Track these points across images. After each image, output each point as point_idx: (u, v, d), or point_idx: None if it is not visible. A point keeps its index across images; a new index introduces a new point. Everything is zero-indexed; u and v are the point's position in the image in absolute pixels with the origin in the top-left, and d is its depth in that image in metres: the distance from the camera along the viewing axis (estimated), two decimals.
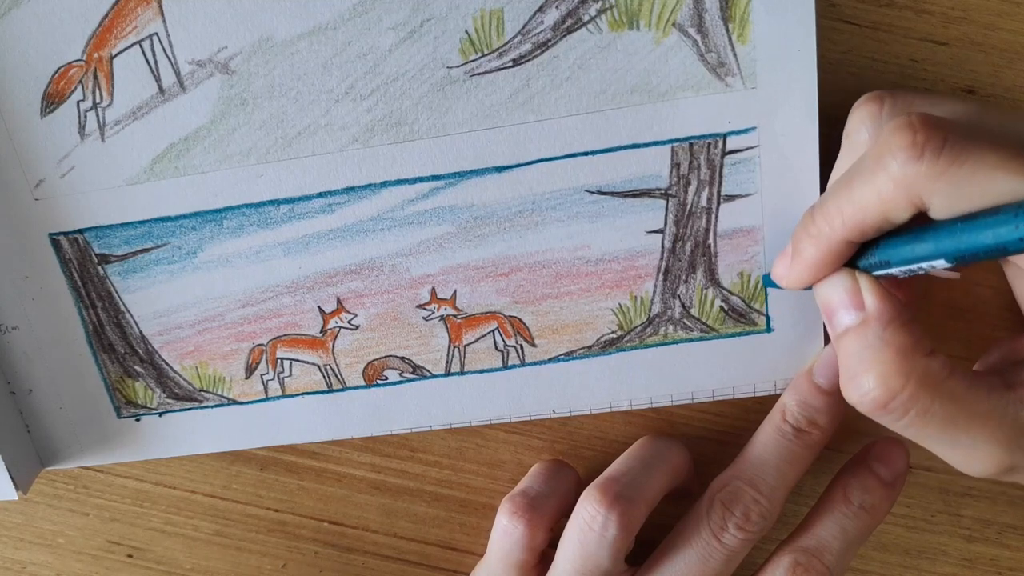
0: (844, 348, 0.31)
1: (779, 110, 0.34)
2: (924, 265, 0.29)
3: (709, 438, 0.40)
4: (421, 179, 0.35)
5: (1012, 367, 0.32)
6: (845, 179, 0.30)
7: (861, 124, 0.31)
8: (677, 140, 0.34)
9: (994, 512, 0.40)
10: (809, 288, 0.33)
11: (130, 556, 0.43)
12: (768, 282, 0.35)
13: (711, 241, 0.36)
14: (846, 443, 0.40)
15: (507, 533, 0.37)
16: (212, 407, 0.38)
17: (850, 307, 0.31)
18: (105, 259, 0.36)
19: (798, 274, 0.32)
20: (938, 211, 0.27)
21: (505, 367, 0.38)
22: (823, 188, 0.34)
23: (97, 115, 0.34)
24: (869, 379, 0.30)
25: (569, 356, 0.38)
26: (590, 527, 0.35)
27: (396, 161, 0.35)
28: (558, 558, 0.36)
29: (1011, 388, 0.30)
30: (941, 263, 0.28)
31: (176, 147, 0.35)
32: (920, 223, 0.29)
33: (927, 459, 0.40)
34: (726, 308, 0.37)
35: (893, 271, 0.30)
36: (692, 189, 0.35)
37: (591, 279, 0.36)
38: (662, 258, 0.36)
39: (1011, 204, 0.26)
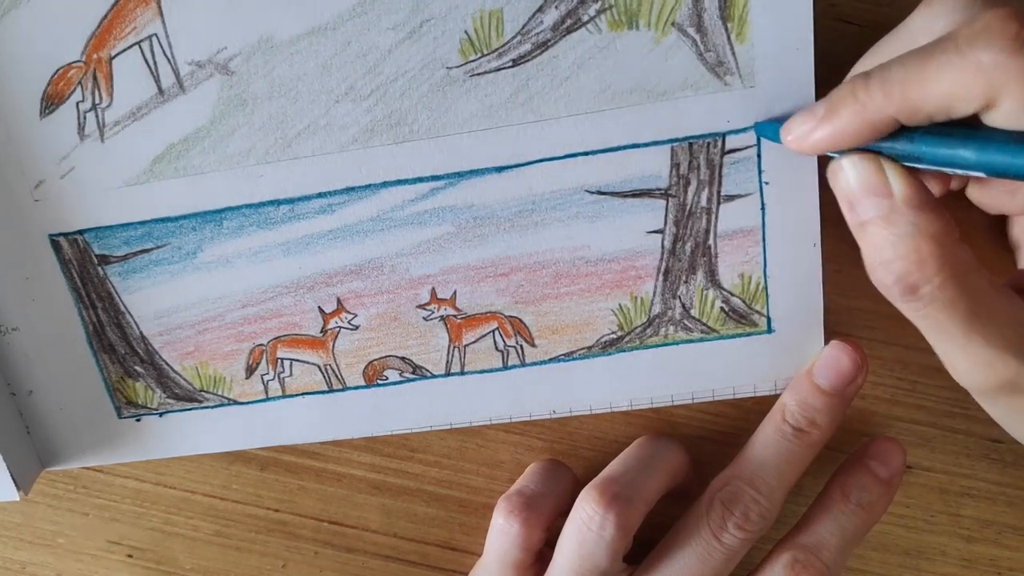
0: (871, 236, 0.30)
1: (778, 109, 0.34)
2: (958, 171, 0.28)
3: (709, 438, 0.40)
4: (421, 179, 0.35)
5: None
6: (919, 55, 0.28)
7: (943, 10, 0.30)
8: (677, 140, 0.34)
9: (994, 512, 0.40)
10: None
11: (130, 556, 0.43)
12: (764, 130, 0.34)
13: (711, 242, 0.36)
14: (846, 443, 0.39)
15: (503, 532, 0.37)
16: (212, 407, 0.38)
17: (877, 194, 0.30)
18: (105, 260, 0.36)
19: (825, 136, 0.30)
20: (1005, 115, 0.27)
21: (505, 367, 0.38)
22: (823, 189, 0.34)
23: (96, 116, 0.34)
24: (903, 264, 0.29)
25: (569, 356, 0.38)
26: (588, 527, 0.35)
27: (396, 161, 0.35)
28: (556, 558, 0.36)
29: None
30: (978, 173, 0.28)
31: (176, 148, 0.35)
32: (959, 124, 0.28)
33: (927, 459, 0.40)
34: (727, 309, 0.37)
35: (919, 167, 0.29)
36: (692, 189, 0.35)
37: (591, 279, 0.36)
38: (662, 258, 0.36)
39: None
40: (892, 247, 0.29)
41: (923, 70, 0.28)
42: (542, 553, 0.37)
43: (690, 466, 0.39)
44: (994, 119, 0.27)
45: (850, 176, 0.30)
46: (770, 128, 0.33)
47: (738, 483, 0.35)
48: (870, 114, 0.29)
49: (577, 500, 0.36)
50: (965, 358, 0.30)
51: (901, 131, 0.29)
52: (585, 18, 0.33)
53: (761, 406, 0.39)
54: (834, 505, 0.36)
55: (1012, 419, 0.33)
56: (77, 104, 0.34)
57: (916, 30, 0.30)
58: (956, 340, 0.30)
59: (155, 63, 0.34)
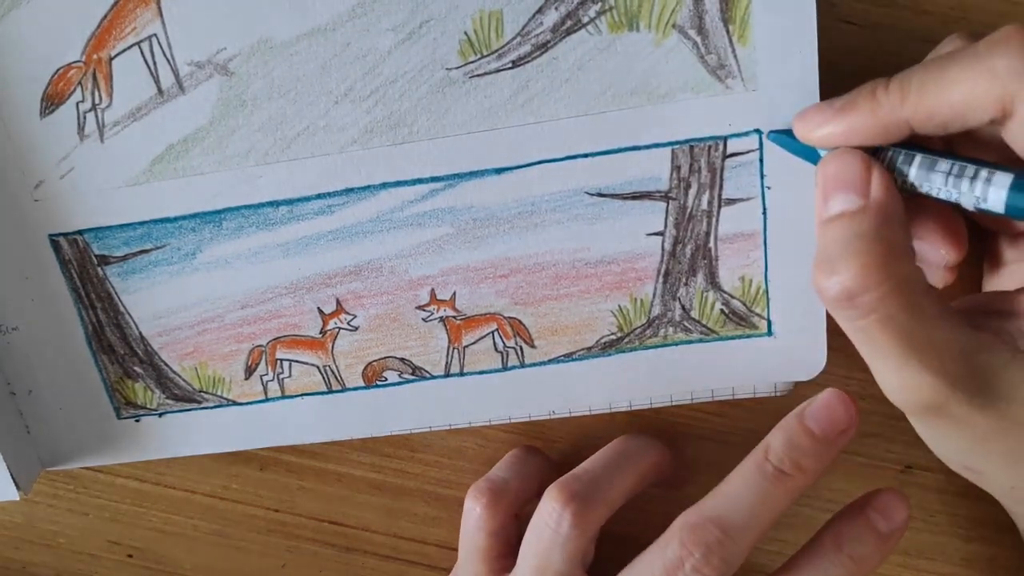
0: (830, 231, 0.30)
1: (780, 112, 0.33)
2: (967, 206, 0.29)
3: (709, 438, 0.40)
4: (420, 180, 0.35)
5: (984, 315, 0.31)
6: (939, 61, 0.28)
7: (955, 42, 0.30)
8: (677, 142, 0.34)
9: (993, 512, 0.40)
10: (811, 163, 0.32)
11: (130, 556, 0.43)
12: (776, 137, 0.34)
13: (712, 245, 0.36)
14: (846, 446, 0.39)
15: (467, 515, 0.37)
16: (212, 408, 0.38)
17: (854, 191, 0.29)
18: (104, 260, 0.36)
19: (837, 129, 0.30)
20: (1020, 124, 0.27)
21: (505, 368, 0.38)
22: None
23: (96, 116, 0.34)
24: (847, 267, 0.28)
25: (569, 357, 0.38)
26: (546, 523, 0.34)
27: (395, 162, 0.35)
28: (520, 552, 0.36)
29: (976, 330, 0.29)
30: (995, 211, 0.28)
31: (175, 148, 0.34)
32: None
33: (927, 459, 0.40)
34: (727, 311, 0.37)
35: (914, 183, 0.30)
36: (692, 192, 0.35)
37: (591, 281, 0.36)
38: (662, 260, 0.36)
39: None
40: (844, 246, 0.29)
41: (941, 75, 0.28)
42: (515, 546, 0.37)
43: (668, 463, 0.38)
44: (1011, 132, 0.27)
45: (837, 165, 0.30)
46: (782, 138, 0.33)
47: (704, 521, 0.32)
48: (884, 114, 0.29)
49: (542, 497, 0.35)
50: (897, 378, 0.30)
51: (917, 153, 0.30)
52: (585, 19, 0.33)
53: (761, 406, 0.39)
54: (825, 553, 0.33)
55: (935, 441, 0.32)
56: (77, 104, 0.34)
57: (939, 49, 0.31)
58: (889, 358, 0.29)
59: (155, 63, 0.33)
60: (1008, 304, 0.30)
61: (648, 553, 0.34)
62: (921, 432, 0.32)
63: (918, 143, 0.30)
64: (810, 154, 0.32)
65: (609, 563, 0.37)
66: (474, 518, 0.37)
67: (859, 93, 0.30)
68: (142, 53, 0.33)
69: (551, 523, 0.34)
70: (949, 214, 0.32)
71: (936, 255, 0.32)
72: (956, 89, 0.28)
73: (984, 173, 0.29)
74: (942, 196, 0.30)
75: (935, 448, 0.33)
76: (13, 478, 0.37)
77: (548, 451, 0.40)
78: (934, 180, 0.29)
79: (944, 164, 0.29)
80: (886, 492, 0.34)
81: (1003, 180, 0.28)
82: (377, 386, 0.38)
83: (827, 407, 0.33)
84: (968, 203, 0.29)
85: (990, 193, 0.28)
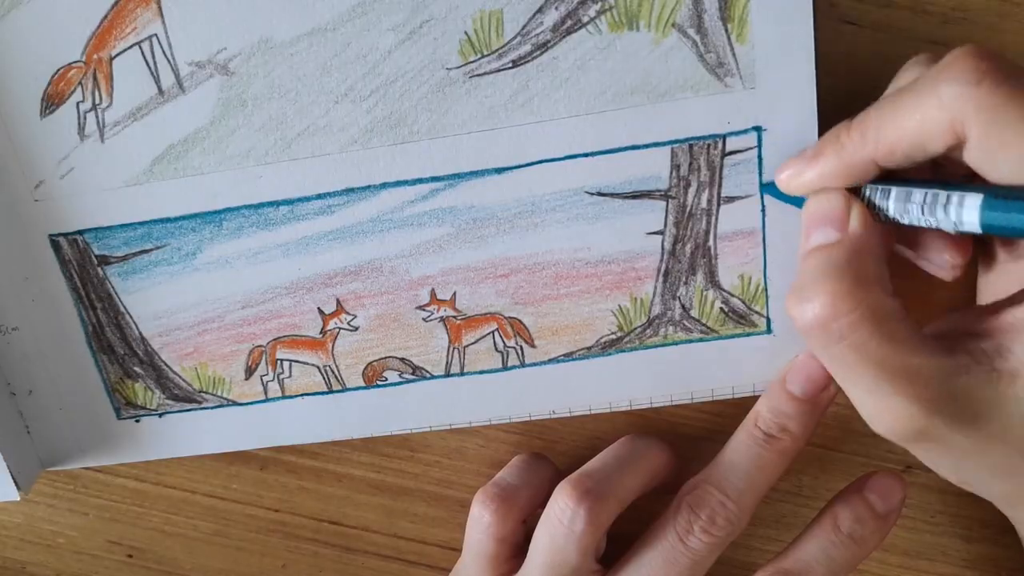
0: (808, 263, 0.30)
1: (779, 111, 0.33)
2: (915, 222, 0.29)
3: (709, 438, 0.40)
4: (420, 180, 0.35)
5: (959, 337, 0.30)
6: (892, 97, 0.29)
7: (914, 67, 0.31)
8: (677, 141, 0.34)
9: (994, 512, 0.40)
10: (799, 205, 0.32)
11: (130, 556, 0.43)
12: (768, 189, 0.35)
13: (711, 243, 0.36)
14: (845, 443, 0.40)
15: (476, 522, 0.37)
16: (212, 408, 0.38)
17: (832, 225, 0.30)
18: (105, 260, 0.36)
19: (812, 177, 0.31)
20: (976, 149, 0.27)
21: (505, 368, 0.38)
22: None
23: (96, 116, 0.34)
24: (819, 294, 0.29)
25: (569, 357, 0.38)
26: (560, 520, 0.35)
27: (395, 162, 0.35)
28: (530, 551, 0.36)
29: (951, 354, 0.29)
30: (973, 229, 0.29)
31: (175, 148, 0.34)
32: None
33: None
34: (726, 310, 0.37)
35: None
36: (692, 190, 0.35)
37: (591, 280, 0.36)
38: (662, 260, 0.36)
39: None
40: (817, 275, 0.30)
41: (895, 111, 0.29)
42: (520, 548, 0.37)
43: (674, 465, 0.39)
44: (971, 156, 0.28)
45: (818, 202, 0.31)
46: (774, 189, 0.34)
47: (706, 487, 0.35)
48: (848, 156, 0.30)
49: (552, 494, 0.36)
50: (870, 405, 0.30)
51: (892, 187, 0.30)
52: (585, 19, 0.33)
53: None
54: (824, 534, 0.35)
55: (924, 459, 0.32)
56: (77, 104, 0.34)
57: (900, 80, 0.32)
58: (863, 385, 0.30)
59: (155, 63, 0.34)
60: (982, 323, 0.30)
61: (658, 522, 0.36)
62: (914, 453, 0.32)
63: (900, 174, 0.31)
64: (798, 202, 0.33)
65: (609, 562, 0.37)
66: (483, 524, 0.37)
67: (825, 140, 0.31)
68: (142, 53, 0.33)
69: (564, 520, 0.35)
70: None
71: (942, 260, 0.32)
72: (909, 122, 0.28)
73: (955, 198, 0.29)
74: (923, 224, 0.30)
75: (927, 464, 0.33)
76: (13, 478, 0.37)
77: (548, 451, 0.40)
78: (911, 211, 0.30)
79: (918, 195, 0.30)
80: (882, 474, 0.36)
81: (974, 201, 0.28)
82: (377, 386, 0.38)
83: (805, 368, 0.35)
84: (948, 227, 0.29)
85: (964, 216, 0.28)
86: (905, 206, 0.30)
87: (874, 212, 0.31)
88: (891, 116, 0.29)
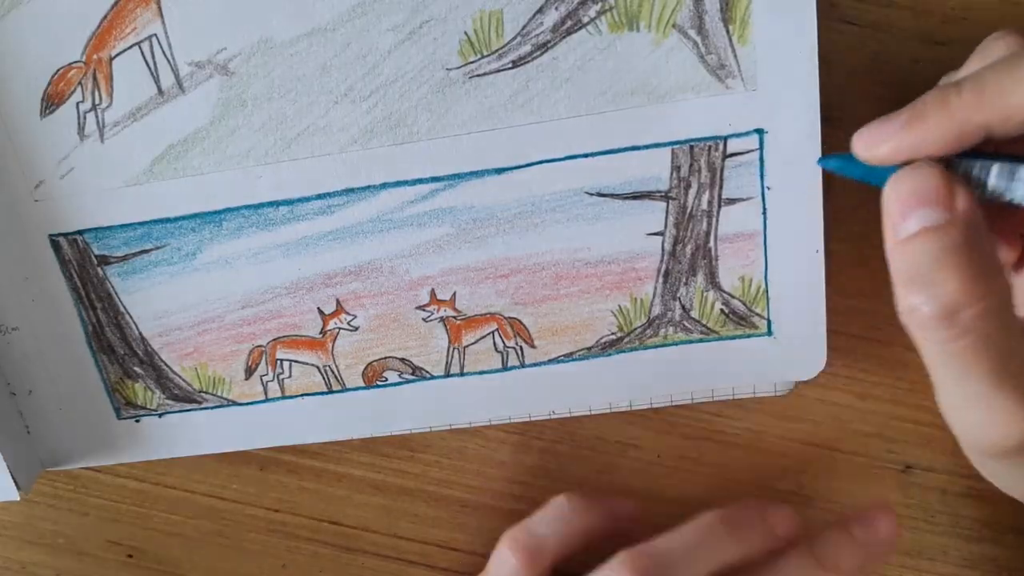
0: (914, 249, 0.27)
1: (780, 112, 0.33)
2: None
3: (709, 438, 0.40)
4: (420, 180, 0.35)
5: None
6: (1013, 58, 0.26)
7: (998, 41, 0.29)
8: (677, 142, 0.34)
9: (994, 512, 0.40)
10: (873, 184, 0.29)
11: (130, 556, 0.43)
12: (827, 161, 0.32)
13: (712, 244, 0.36)
14: (845, 443, 0.40)
15: (503, 563, 0.36)
16: (212, 408, 0.38)
17: (932, 204, 0.26)
18: (105, 260, 0.36)
19: (907, 142, 0.28)
20: None
21: (505, 368, 0.38)
22: (825, 190, 0.34)
23: (96, 116, 0.34)
24: (945, 281, 0.26)
25: (569, 357, 0.38)
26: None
27: (395, 162, 0.35)
28: None
29: None
30: None
31: (175, 148, 0.34)
32: None
33: (927, 459, 0.40)
34: (726, 311, 0.37)
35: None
36: (692, 192, 0.35)
37: (591, 281, 0.36)
38: (662, 260, 0.36)
39: None
40: (936, 261, 0.26)
41: (1018, 72, 0.26)
42: None
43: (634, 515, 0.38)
44: None
45: (908, 182, 0.27)
46: (834, 162, 0.31)
47: (641, 553, 0.34)
48: (960, 120, 0.27)
49: (614, 565, 0.34)
50: (976, 412, 0.27)
51: (995, 162, 0.28)
52: (585, 19, 0.33)
53: (761, 406, 0.39)
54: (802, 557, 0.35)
55: (1013, 478, 0.30)
56: (77, 104, 0.34)
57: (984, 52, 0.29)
58: (979, 386, 0.26)
59: (155, 63, 0.33)
60: None
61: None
62: (998, 473, 0.30)
63: (975, 150, 0.28)
64: (873, 174, 0.29)
65: None
66: (509, 568, 0.36)
67: (927, 102, 0.28)
68: (142, 53, 0.33)
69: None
70: (1006, 213, 0.30)
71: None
72: None
73: None
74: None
75: (1004, 484, 0.30)
76: (13, 478, 0.37)
77: (548, 451, 0.40)
78: (1015, 189, 0.28)
79: None
80: (875, 507, 0.35)
81: None
82: (377, 386, 0.38)
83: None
84: None
85: None
86: (1009, 184, 0.28)
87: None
88: (1012, 77, 0.26)
